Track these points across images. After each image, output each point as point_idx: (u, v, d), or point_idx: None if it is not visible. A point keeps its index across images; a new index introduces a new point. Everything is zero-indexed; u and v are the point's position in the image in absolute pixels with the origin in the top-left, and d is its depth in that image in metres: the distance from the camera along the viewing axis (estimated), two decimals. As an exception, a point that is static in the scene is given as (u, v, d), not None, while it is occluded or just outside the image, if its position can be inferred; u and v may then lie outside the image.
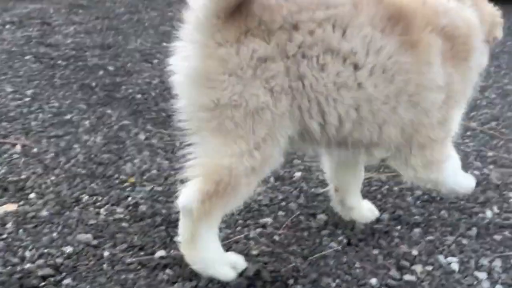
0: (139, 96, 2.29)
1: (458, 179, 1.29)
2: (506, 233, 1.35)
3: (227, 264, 1.20)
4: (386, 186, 1.60)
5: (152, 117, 2.08)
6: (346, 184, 1.42)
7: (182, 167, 1.16)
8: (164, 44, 2.68)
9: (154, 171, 1.65)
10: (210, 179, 1.15)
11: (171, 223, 1.36)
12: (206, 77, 1.15)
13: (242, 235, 1.33)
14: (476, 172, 1.72)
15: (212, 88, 1.15)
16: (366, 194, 1.54)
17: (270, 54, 1.15)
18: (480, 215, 1.44)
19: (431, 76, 1.25)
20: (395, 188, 1.59)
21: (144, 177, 1.62)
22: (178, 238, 1.18)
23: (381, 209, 1.45)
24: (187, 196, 1.16)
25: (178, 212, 1.19)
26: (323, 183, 1.59)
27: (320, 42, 1.16)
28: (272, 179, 1.62)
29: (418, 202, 1.51)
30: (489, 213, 1.44)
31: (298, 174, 1.67)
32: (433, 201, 1.52)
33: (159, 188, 1.55)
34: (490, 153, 1.90)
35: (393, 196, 1.54)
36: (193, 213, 1.15)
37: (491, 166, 1.79)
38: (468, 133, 2.11)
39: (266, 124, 1.17)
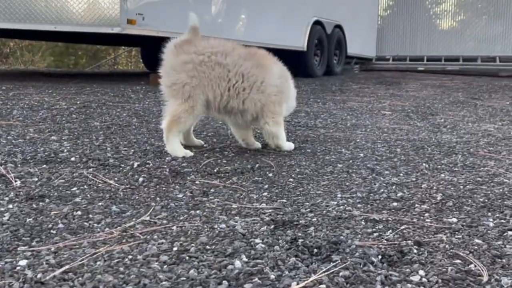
0: None
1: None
2: (256, 279, 1.28)
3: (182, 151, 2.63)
4: (130, 256, 1.42)
5: None
6: (246, 135, 2.88)
7: None
8: None
9: None
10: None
11: None
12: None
13: None
14: (223, 225, 1.67)
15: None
16: (107, 269, 1.33)
17: None
18: (229, 267, 1.35)
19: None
20: (139, 257, 1.41)
21: None
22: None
23: (124, 282, 1.26)
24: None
25: None
26: (54, 266, 1.34)
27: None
28: (-14, 275, 1.30)
29: (165, 266, 1.36)
30: (238, 263, 1.37)
31: (23, 263, 1.37)
32: (181, 262, 1.38)
33: None
34: (234, 205, 1.89)
35: (137, 266, 1.36)
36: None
37: (237, 217, 1.76)
38: (212, 190, 2.09)
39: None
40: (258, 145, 2.92)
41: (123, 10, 6.04)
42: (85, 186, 2.09)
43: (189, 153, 2.65)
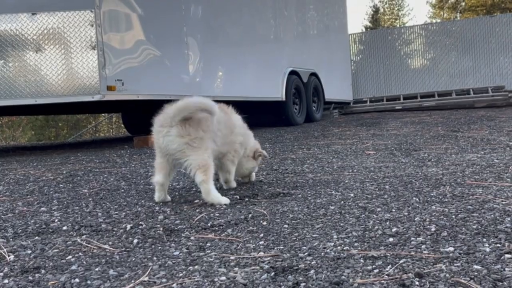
0: None
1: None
2: (263, 327, 1.26)
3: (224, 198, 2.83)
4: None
5: None
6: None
7: None
8: None
9: None
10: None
11: None
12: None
13: None
14: (223, 278, 1.66)
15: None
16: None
17: None
18: (235, 317, 1.33)
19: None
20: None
21: None
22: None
23: None
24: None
25: None
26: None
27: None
28: None
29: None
30: (243, 313, 1.35)
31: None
32: (185, 318, 1.37)
33: None
34: (232, 257, 1.89)
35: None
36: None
37: (236, 268, 1.76)
38: (208, 244, 2.09)
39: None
40: (234, 184, 3.32)
41: (102, 77, 6.14)
42: (80, 254, 2.07)
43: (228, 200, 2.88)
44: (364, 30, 37.26)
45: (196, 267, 1.81)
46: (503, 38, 16.32)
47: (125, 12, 6.57)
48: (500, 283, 1.46)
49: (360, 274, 1.61)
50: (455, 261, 1.68)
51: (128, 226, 2.44)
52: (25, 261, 2.01)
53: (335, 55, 13.31)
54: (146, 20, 6.86)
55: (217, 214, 2.58)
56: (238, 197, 3.00)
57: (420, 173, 3.49)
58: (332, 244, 1.95)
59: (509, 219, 2.14)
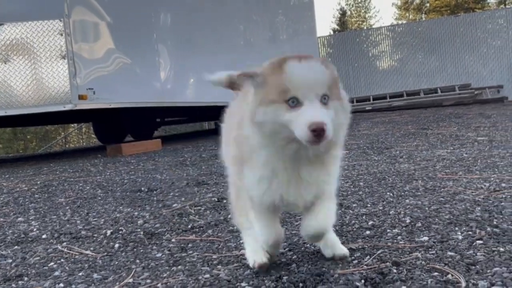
0: None
1: None
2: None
3: None
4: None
5: None
6: None
7: None
8: None
9: None
10: None
11: None
12: None
13: None
14: (207, 275, 1.69)
15: None
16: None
17: None
18: (221, 311, 1.37)
19: None
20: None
21: None
22: None
23: None
24: None
25: None
26: None
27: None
28: None
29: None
30: (229, 307, 1.39)
31: None
32: (172, 315, 1.40)
33: None
34: (214, 256, 1.92)
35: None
36: None
37: (219, 266, 1.79)
38: (190, 245, 2.12)
39: None
40: None
41: (73, 86, 6.10)
42: (62, 260, 2.07)
43: None
44: (332, 33, 37.69)
45: (179, 267, 1.84)
46: (468, 37, 16.76)
47: (94, 21, 6.55)
48: (473, 267, 1.54)
49: (340, 265, 1.67)
50: (430, 249, 1.75)
51: (108, 232, 2.44)
52: (6, 269, 2.00)
53: (305, 58, 13.44)
54: (116, 28, 6.84)
55: (197, 217, 2.61)
56: (216, 199, 3.03)
57: (392, 170, 3.58)
58: (312, 239, 2.00)
59: (479, 208, 2.23)
